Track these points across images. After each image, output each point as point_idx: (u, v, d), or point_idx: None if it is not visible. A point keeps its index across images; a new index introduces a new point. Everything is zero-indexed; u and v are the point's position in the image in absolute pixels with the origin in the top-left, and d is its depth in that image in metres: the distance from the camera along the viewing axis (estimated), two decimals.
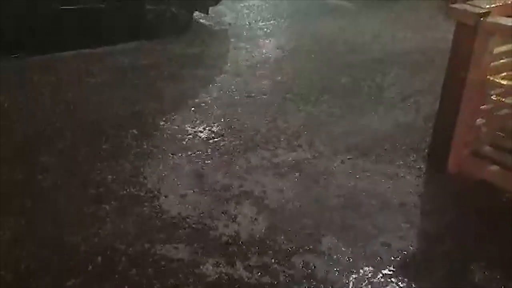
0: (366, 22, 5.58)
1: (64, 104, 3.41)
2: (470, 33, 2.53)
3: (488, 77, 2.59)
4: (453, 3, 5.83)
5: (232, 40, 4.99)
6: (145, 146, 2.99)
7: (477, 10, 2.47)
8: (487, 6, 2.53)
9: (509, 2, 2.73)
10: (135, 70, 4.00)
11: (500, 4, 2.64)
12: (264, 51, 4.65)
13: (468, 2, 2.59)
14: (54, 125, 3.15)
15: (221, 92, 3.76)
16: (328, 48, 4.75)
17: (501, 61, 2.66)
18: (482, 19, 2.44)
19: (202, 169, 2.80)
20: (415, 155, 3.01)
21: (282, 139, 3.15)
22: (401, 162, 2.94)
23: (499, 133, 2.66)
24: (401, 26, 5.38)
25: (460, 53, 2.62)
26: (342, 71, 4.22)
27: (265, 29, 5.29)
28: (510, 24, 2.37)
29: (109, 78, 3.81)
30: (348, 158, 2.96)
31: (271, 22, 5.57)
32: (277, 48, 4.73)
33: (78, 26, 4.40)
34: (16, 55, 4.05)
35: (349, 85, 3.98)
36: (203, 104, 3.55)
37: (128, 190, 2.59)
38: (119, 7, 4.59)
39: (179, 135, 3.13)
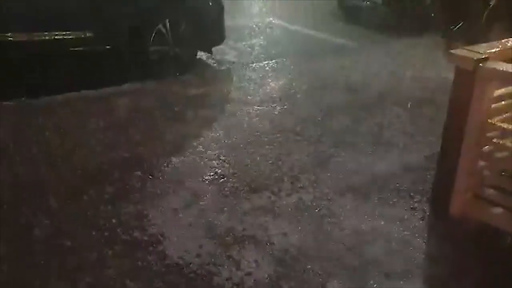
0: (366, 60, 5.67)
1: (67, 146, 3.44)
2: (469, 77, 2.57)
3: (488, 120, 2.63)
4: (450, 45, 5.96)
5: (235, 79, 5.07)
6: (149, 189, 3.01)
7: (475, 56, 2.52)
8: (486, 51, 2.59)
9: (509, 45, 2.80)
10: (138, 111, 4.05)
11: (499, 49, 2.70)
12: (266, 90, 4.71)
13: (467, 48, 2.64)
14: (57, 169, 3.17)
15: (224, 132, 3.80)
16: (330, 87, 4.81)
17: (501, 103, 2.70)
18: (480, 64, 2.48)
19: (206, 212, 2.80)
20: (418, 197, 3.02)
21: (285, 180, 3.17)
22: (404, 204, 2.94)
23: (502, 175, 2.67)
24: (401, 64, 5.47)
25: (460, 96, 2.66)
26: (343, 110, 4.27)
27: (267, 68, 5.37)
28: (508, 70, 2.42)
29: (113, 120, 3.86)
30: (351, 200, 2.96)
31: (273, 61, 5.66)
32: (279, 88, 4.79)
33: (81, 67, 4.50)
34: (18, 98, 4.08)
35: (350, 124, 4.02)
36: (206, 145, 3.58)
37: (132, 234, 2.59)
38: (123, 49, 4.69)
39: (182, 177, 3.15)
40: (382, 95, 4.63)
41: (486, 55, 2.54)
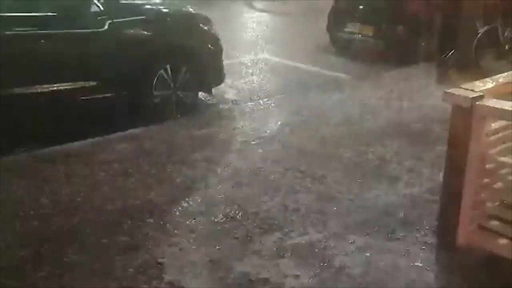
0: (362, 93, 5.83)
1: (76, 196, 3.49)
2: (466, 114, 2.69)
3: (487, 152, 2.74)
4: (443, 73, 6.12)
5: (236, 118, 5.18)
6: (161, 235, 3.07)
7: (470, 94, 2.65)
8: (481, 89, 2.72)
9: (500, 81, 2.94)
10: (145, 156, 4.14)
11: (492, 85, 2.84)
12: (266, 128, 4.81)
13: (462, 86, 2.78)
14: (68, 220, 3.21)
15: (230, 172, 3.89)
16: (328, 122, 4.93)
17: (499, 134, 2.82)
18: (477, 103, 2.61)
19: (218, 256, 2.86)
20: (424, 230, 3.10)
21: (293, 219, 3.24)
22: (411, 238, 3.02)
23: (504, 206, 2.76)
24: (396, 96, 5.62)
25: (458, 131, 2.77)
26: (343, 144, 4.38)
27: (266, 105, 5.50)
28: (503, 107, 2.54)
29: (121, 167, 3.93)
30: (360, 236, 3.04)
31: (272, 98, 5.81)
32: (279, 125, 4.90)
33: (87, 115, 4.61)
34: (25, 148, 4.16)
35: (352, 158, 4.13)
36: (213, 187, 3.66)
37: (149, 283, 2.64)
38: (127, 95, 4.82)
39: (193, 221, 3.22)
40: (380, 127, 4.75)
41: (481, 93, 2.67)
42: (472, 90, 2.69)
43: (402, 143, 4.40)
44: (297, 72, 7.35)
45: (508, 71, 5.66)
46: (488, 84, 2.85)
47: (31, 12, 4.33)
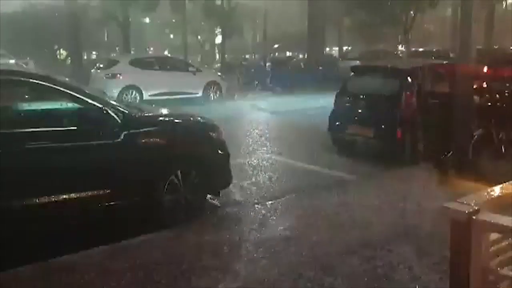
0: (366, 194, 5.98)
1: None
2: (464, 228, 2.83)
3: (489, 264, 2.84)
4: (442, 176, 6.32)
5: (242, 222, 5.31)
6: None
7: (467, 209, 2.80)
8: (477, 202, 2.89)
9: (496, 194, 3.11)
10: (156, 265, 4.18)
11: (488, 198, 3.00)
12: (272, 234, 4.90)
13: (459, 200, 2.94)
14: None
15: (240, 279, 3.94)
16: (336, 226, 5.04)
17: (500, 245, 2.93)
18: (474, 217, 2.76)
19: None
20: None
21: None
22: None
23: None
24: (400, 198, 5.78)
25: (458, 245, 2.89)
26: (351, 249, 4.46)
27: (272, 209, 5.63)
28: (499, 222, 2.69)
29: (132, 278, 3.98)
30: None
31: (277, 200, 5.96)
32: (287, 230, 5.01)
33: (98, 223, 4.75)
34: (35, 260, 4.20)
35: (359, 266, 4.19)
36: None
37: None
38: (139, 201, 5.01)
39: None
40: (387, 232, 4.85)
41: (477, 207, 2.83)
42: (468, 204, 2.86)
43: (409, 249, 4.46)
44: (302, 172, 7.59)
45: (505, 172, 5.89)
46: (484, 196, 3.02)
47: (53, 127, 4.66)
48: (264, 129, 11.52)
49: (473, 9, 7.04)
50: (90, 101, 4.81)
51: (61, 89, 4.76)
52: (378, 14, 23.52)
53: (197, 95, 16.59)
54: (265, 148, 9.20)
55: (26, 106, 5.05)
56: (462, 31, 7.17)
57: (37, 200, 4.47)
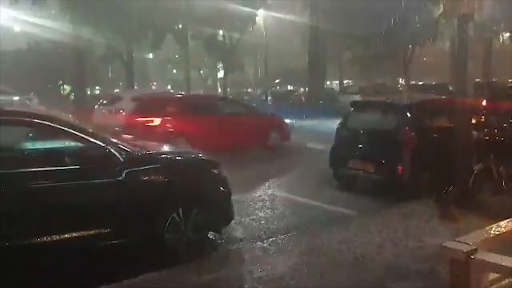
0: (368, 231, 5.96)
1: None
2: (463, 266, 2.85)
3: None
4: (443, 211, 6.31)
5: (244, 260, 5.29)
6: None
7: (465, 248, 2.83)
8: (475, 242, 2.91)
9: (492, 233, 3.14)
10: None
11: (485, 237, 3.03)
12: (274, 273, 4.88)
13: (457, 239, 2.97)
14: None
15: None
16: (337, 264, 5.03)
17: (500, 283, 2.94)
18: (471, 257, 2.78)
19: None
20: None
21: None
22: None
23: None
24: (401, 235, 5.76)
25: (458, 283, 2.91)
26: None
27: (273, 246, 5.63)
28: (496, 262, 2.71)
29: None
30: None
31: (279, 237, 5.95)
32: (288, 269, 4.97)
33: (98, 262, 4.75)
34: None
35: None
36: None
37: None
38: (139, 240, 5.01)
39: None
40: (387, 269, 4.84)
41: (475, 246, 2.86)
42: (466, 243, 2.88)
43: (411, 285, 4.45)
44: (303, 207, 7.56)
45: (505, 206, 5.90)
46: (482, 235, 3.05)
47: (56, 166, 4.73)
48: (266, 164, 11.49)
49: (468, 43, 7.16)
50: (92, 139, 4.89)
51: (65, 128, 4.85)
52: (377, 48, 23.91)
53: None
54: (267, 184, 9.18)
55: (29, 146, 5.13)
56: (459, 65, 7.28)
57: (37, 239, 4.49)
